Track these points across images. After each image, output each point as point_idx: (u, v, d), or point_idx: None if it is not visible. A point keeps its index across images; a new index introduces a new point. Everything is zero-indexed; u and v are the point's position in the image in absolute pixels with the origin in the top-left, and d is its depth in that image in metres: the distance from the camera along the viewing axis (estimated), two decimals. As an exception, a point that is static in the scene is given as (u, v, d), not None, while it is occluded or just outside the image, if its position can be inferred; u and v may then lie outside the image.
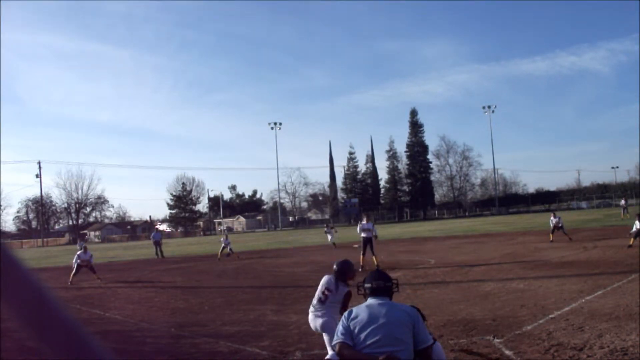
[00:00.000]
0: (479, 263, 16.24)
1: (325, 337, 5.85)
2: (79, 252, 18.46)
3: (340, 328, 3.82)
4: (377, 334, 3.65)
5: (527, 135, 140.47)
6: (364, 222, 17.40)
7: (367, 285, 4.04)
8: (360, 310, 3.86)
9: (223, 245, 25.13)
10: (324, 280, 6.18)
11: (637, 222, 17.90)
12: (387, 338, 3.62)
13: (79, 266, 17.92)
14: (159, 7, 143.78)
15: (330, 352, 5.57)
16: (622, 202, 41.50)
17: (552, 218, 22.68)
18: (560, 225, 22.18)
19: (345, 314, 3.92)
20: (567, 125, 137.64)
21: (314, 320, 6.03)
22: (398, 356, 3.52)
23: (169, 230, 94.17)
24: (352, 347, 3.67)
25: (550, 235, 22.09)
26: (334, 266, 6.25)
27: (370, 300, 3.93)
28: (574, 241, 21.07)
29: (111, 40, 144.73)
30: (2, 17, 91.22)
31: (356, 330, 3.71)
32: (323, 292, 6.05)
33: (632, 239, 17.53)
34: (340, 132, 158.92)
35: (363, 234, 16.92)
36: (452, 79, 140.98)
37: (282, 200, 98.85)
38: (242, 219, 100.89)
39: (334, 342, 3.80)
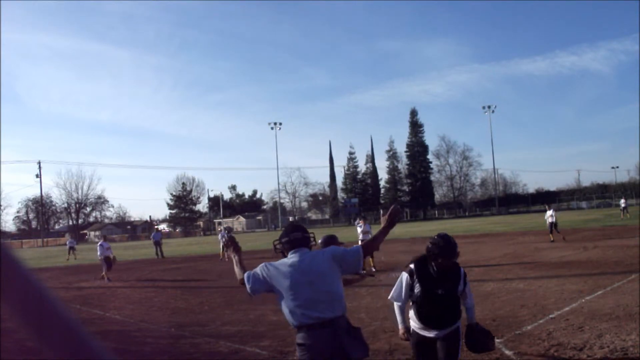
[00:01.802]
0: (479, 263, 16.24)
1: None
2: (101, 242, 18.40)
3: (255, 273, 3.80)
4: (307, 293, 3.55)
5: (527, 135, 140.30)
6: (361, 224, 17.76)
7: (285, 239, 3.88)
8: (281, 267, 3.72)
9: (223, 241, 24.73)
10: None
11: None
12: (318, 294, 3.54)
13: (106, 259, 17.92)
14: (159, 7, 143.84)
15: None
16: (622, 202, 41.48)
17: (548, 212, 22.45)
18: (554, 220, 22.12)
19: (262, 265, 3.83)
20: (567, 125, 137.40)
21: None
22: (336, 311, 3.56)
23: (167, 230, 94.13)
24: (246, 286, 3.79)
25: (550, 235, 22.04)
26: (320, 241, 5.91)
27: (291, 256, 3.78)
28: (573, 241, 21.06)
29: (111, 39, 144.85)
30: (1, 17, 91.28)
31: (283, 289, 3.61)
32: None
33: None
34: (340, 132, 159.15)
35: (362, 236, 17.24)
36: (453, 79, 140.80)
37: (282, 200, 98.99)
38: (242, 219, 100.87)
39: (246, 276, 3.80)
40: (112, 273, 17.89)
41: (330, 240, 6.19)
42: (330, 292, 3.59)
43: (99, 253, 18.25)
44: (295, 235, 3.85)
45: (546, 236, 22.12)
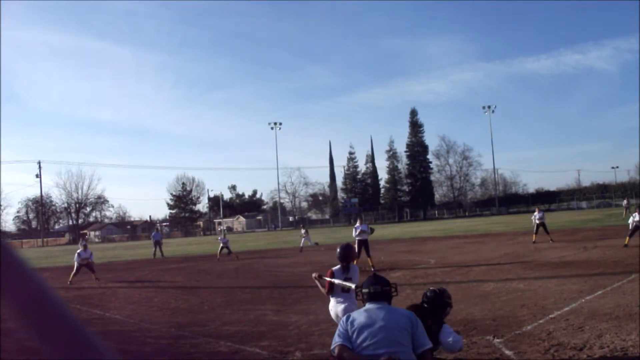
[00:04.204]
0: (479, 263, 16.24)
1: None
2: (79, 251, 18.45)
3: (338, 331, 3.82)
4: (375, 336, 3.65)
5: (529, 134, 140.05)
6: (358, 224, 17.42)
7: (365, 290, 4.02)
8: (359, 314, 3.87)
9: (221, 245, 25.07)
10: (336, 272, 6.23)
11: (636, 213, 17.99)
12: (385, 340, 3.62)
13: (79, 266, 17.93)
14: (159, 4, 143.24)
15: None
16: (625, 202, 41.63)
17: (535, 214, 22.36)
18: (542, 221, 22.11)
19: (344, 318, 3.93)
20: (569, 124, 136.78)
21: (335, 307, 6.11)
22: (398, 356, 3.53)
23: (167, 229, 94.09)
24: (351, 350, 3.67)
25: (534, 235, 22.04)
26: (338, 251, 6.39)
27: (369, 305, 3.93)
28: (573, 241, 21.07)
29: (111, 37, 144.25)
30: (1, 15, 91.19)
31: (354, 334, 3.71)
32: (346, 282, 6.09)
33: (627, 238, 17.65)
34: (340, 132, 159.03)
35: (358, 237, 16.88)
36: (456, 78, 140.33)
37: (282, 200, 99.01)
38: (242, 219, 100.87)
39: (332, 346, 3.80)
40: (110, 273, 17.82)
41: (348, 249, 6.37)
42: (399, 344, 3.64)
43: (75, 258, 18.14)
44: (376, 288, 3.99)
45: (545, 236, 22.05)
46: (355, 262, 6.46)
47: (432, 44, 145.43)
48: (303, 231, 28.41)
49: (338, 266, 6.32)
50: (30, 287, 0.60)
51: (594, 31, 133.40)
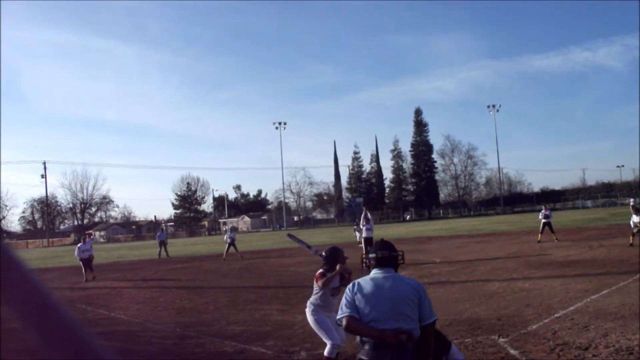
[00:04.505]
0: (484, 262, 16.21)
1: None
2: (79, 245, 18.53)
3: (344, 301, 3.72)
4: (381, 307, 3.58)
5: (535, 133, 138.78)
6: (364, 223, 17.60)
7: (372, 255, 3.90)
8: (365, 282, 3.76)
9: (228, 242, 24.73)
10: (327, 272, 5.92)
11: (634, 216, 17.81)
12: (392, 312, 3.56)
13: (81, 259, 18.03)
14: (164, 3, 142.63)
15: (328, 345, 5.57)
16: (631, 200, 41.40)
17: (543, 211, 22.17)
18: (549, 220, 21.90)
19: (350, 286, 3.80)
20: (575, 123, 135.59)
21: (319, 309, 5.90)
22: (408, 330, 3.50)
23: (172, 229, 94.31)
24: (359, 321, 3.60)
25: (539, 234, 21.95)
26: (323, 253, 6.02)
27: (375, 272, 3.80)
28: (578, 240, 20.97)
29: (116, 36, 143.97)
30: (3, 13, 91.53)
31: (361, 304, 3.63)
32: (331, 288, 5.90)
33: (631, 237, 17.49)
34: (345, 131, 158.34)
35: (365, 235, 17.23)
36: (464, 76, 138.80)
37: (286, 200, 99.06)
38: (247, 218, 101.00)
39: (340, 316, 3.68)
40: (115, 273, 17.89)
41: (335, 253, 5.99)
42: (406, 316, 3.59)
43: (76, 254, 18.32)
44: (384, 253, 3.87)
45: (550, 235, 21.92)
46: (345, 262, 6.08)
47: (439, 41, 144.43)
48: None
49: (322, 269, 5.93)
50: (27, 287, 0.60)
51: (604, 28, 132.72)
